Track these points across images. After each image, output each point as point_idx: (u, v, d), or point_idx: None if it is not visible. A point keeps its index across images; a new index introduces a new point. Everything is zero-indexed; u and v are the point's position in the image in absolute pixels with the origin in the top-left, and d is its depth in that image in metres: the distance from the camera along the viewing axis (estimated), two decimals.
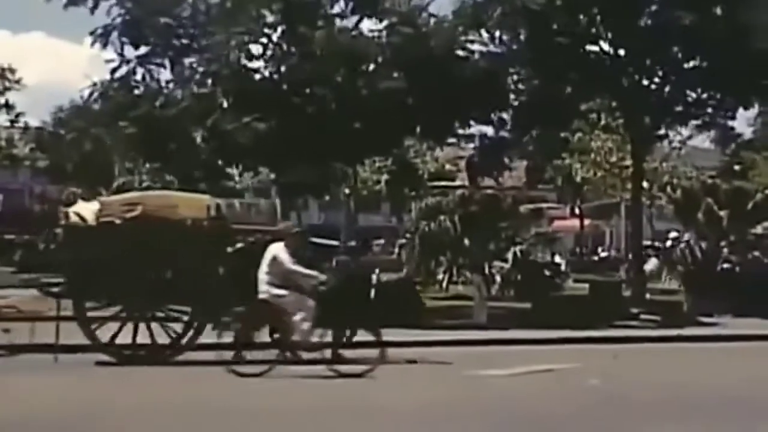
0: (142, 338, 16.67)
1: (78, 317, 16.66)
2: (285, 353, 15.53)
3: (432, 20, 25.73)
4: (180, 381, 14.99)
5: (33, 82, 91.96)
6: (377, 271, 21.30)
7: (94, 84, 27.52)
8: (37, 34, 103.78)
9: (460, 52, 25.84)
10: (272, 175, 29.59)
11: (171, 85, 26.74)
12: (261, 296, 15.50)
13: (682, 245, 31.82)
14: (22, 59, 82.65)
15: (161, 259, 16.91)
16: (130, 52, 26.87)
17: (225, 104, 24.09)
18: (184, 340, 16.91)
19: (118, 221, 16.83)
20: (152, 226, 16.70)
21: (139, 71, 26.94)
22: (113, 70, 27.08)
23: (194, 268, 16.73)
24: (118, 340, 16.61)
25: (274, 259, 15.45)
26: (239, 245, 18.31)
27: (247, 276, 16.16)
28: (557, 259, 38.90)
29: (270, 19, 25.54)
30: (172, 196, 19.81)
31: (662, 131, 31.28)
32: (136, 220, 16.77)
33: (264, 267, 15.52)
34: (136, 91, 26.86)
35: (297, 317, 15.27)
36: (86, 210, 17.33)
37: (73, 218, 17.28)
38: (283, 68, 24.62)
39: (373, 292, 18.72)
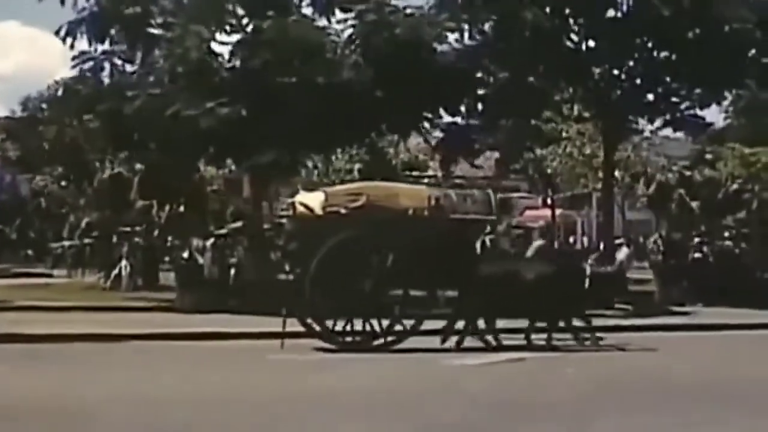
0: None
1: (306, 306, 16.79)
2: None
3: (400, 10, 25.51)
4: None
5: (9, 71, 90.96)
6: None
7: (57, 82, 27.65)
8: (13, 23, 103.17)
9: (430, 42, 25.62)
10: (238, 166, 29.38)
11: (137, 76, 26.43)
12: None
13: (655, 236, 31.92)
14: None
15: (392, 249, 16.83)
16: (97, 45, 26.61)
17: (189, 93, 23.84)
18: (402, 327, 16.98)
19: (343, 211, 16.92)
20: (377, 216, 16.78)
21: (106, 65, 26.72)
22: (80, 63, 26.84)
23: (424, 258, 16.64)
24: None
25: None
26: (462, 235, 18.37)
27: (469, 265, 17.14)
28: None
29: (238, 10, 25.37)
30: (393, 186, 19.82)
31: (633, 122, 31.28)
32: (361, 210, 16.87)
33: None
34: (104, 81, 26.57)
35: None
36: (312, 200, 17.46)
37: (300, 209, 17.44)
38: (249, 58, 24.35)
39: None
